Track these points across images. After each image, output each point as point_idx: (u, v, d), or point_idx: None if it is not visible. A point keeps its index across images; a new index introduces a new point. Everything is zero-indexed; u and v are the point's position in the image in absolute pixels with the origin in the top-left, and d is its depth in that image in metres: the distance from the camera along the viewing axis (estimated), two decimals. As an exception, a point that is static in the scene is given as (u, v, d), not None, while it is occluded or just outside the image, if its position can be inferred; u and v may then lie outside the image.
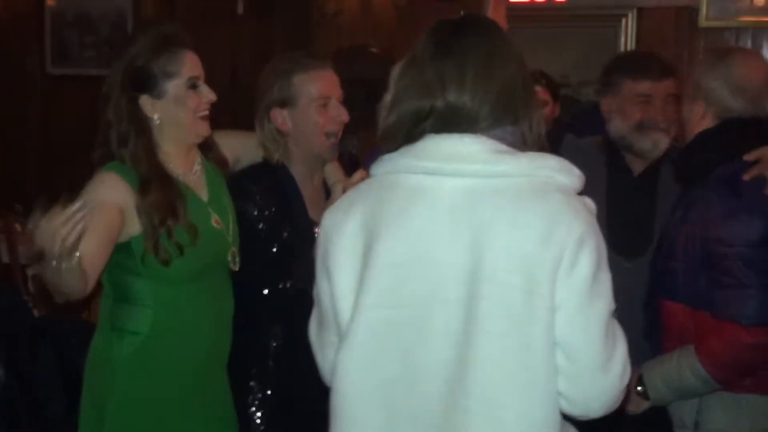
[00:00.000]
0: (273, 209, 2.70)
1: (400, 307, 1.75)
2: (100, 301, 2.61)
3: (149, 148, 2.46)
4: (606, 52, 6.13)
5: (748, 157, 2.49)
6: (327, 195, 2.81)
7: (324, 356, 1.90)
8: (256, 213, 2.69)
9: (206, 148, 2.66)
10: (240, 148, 2.79)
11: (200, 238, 2.47)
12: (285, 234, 2.69)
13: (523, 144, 1.79)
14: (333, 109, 2.71)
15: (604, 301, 1.72)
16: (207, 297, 2.55)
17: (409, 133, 1.79)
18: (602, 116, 3.03)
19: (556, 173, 1.75)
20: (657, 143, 2.88)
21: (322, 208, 2.79)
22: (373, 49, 6.22)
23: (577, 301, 1.69)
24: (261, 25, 6.56)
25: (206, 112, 2.53)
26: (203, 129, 2.54)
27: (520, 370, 1.69)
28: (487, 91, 1.76)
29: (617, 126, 2.91)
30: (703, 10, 5.83)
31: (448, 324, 1.71)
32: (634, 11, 6.02)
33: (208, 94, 2.52)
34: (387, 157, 1.83)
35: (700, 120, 2.64)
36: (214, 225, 2.56)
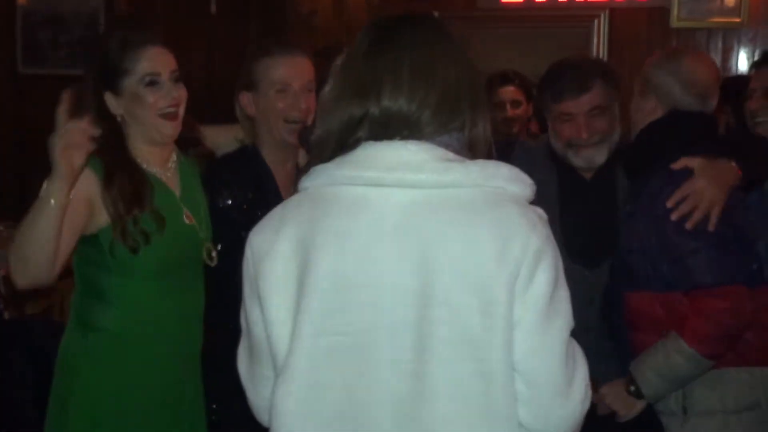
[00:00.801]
0: (248, 196, 2.70)
1: (342, 335, 1.58)
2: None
3: (115, 141, 2.45)
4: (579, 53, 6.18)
5: (676, 166, 2.57)
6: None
7: (257, 393, 1.73)
8: (230, 202, 2.69)
9: (189, 144, 2.66)
10: (222, 143, 2.82)
11: (169, 231, 2.47)
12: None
13: (470, 151, 1.65)
14: (291, 96, 2.70)
15: (562, 320, 1.60)
16: (175, 295, 2.53)
17: (341, 141, 1.63)
18: None
19: (508, 183, 1.61)
20: (589, 159, 2.86)
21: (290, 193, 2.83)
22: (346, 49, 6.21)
23: (534, 320, 1.56)
24: (235, 25, 6.53)
25: (172, 109, 2.49)
26: (166, 127, 2.50)
27: (480, 400, 1.56)
28: (426, 94, 1.60)
29: (554, 143, 2.92)
30: (675, 11, 5.88)
31: (397, 353, 1.56)
32: (607, 12, 6.06)
33: (170, 92, 2.48)
34: (319, 168, 1.65)
35: (650, 114, 2.70)
36: (186, 220, 2.55)
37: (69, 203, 2.27)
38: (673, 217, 2.50)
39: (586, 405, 1.65)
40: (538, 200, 1.69)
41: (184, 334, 2.57)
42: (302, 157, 2.83)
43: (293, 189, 2.77)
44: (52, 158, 2.25)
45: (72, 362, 2.51)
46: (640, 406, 2.60)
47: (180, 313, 2.54)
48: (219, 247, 2.64)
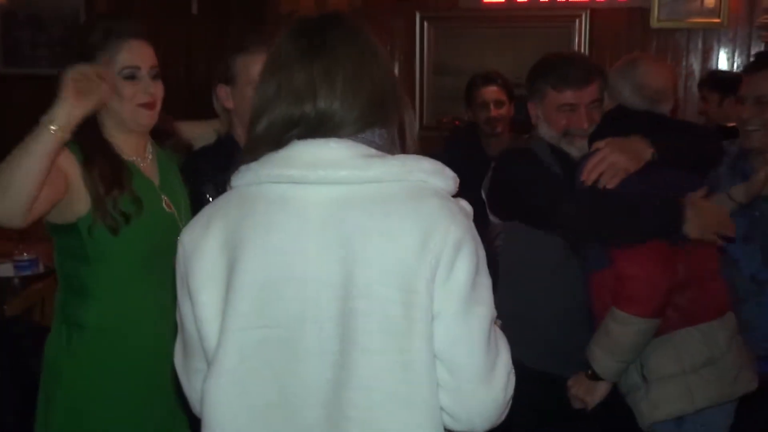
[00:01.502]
0: (223, 188, 2.70)
1: (269, 328, 1.62)
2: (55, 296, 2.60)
3: (93, 126, 2.43)
4: (560, 53, 6.21)
5: (592, 148, 2.73)
6: None
7: (191, 385, 1.77)
8: (213, 193, 2.68)
9: (163, 136, 2.66)
10: (198, 137, 2.82)
11: (149, 216, 2.47)
12: None
13: (393, 147, 1.69)
14: None
15: (484, 308, 1.62)
16: (156, 286, 2.51)
17: (275, 141, 1.66)
18: None
19: (430, 176, 1.64)
20: (583, 149, 2.90)
21: None
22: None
23: (455, 308, 1.58)
24: (215, 25, 6.53)
25: (149, 102, 2.48)
26: (143, 118, 2.49)
27: (401, 388, 1.59)
28: (357, 95, 1.64)
29: (545, 132, 2.95)
30: (655, 12, 5.92)
31: (323, 344, 1.60)
32: (587, 12, 6.09)
33: (148, 86, 2.47)
34: (247, 167, 1.68)
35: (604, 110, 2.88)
36: (165, 208, 2.55)
37: (64, 141, 2.23)
38: (585, 180, 2.65)
39: (509, 392, 1.68)
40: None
41: (167, 327, 2.55)
42: None
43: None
44: (61, 86, 2.22)
45: (56, 360, 2.51)
46: (602, 388, 2.65)
47: (162, 303, 2.51)
48: None
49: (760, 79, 2.91)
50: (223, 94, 2.77)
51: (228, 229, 1.65)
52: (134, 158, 2.54)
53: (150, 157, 2.59)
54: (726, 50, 5.90)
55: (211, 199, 2.66)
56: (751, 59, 3.24)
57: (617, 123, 2.78)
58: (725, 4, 5.79)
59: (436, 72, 6.38)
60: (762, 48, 5.73)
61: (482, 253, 1.64)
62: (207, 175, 2.68)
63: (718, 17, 5.82)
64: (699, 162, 2.84)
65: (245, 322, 1.62)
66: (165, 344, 2.55)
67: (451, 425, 1.66)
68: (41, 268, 4.16)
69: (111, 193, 2.39)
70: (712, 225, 2.62)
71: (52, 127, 2.20)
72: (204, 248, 1.66)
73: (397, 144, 1.70)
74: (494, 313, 1.65)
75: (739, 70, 5.71)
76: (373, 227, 1.59)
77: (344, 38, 1.69)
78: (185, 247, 1.71)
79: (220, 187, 2.66)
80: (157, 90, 2.50)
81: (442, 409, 1.63)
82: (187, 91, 5.59)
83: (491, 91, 4.46)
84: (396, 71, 6.61)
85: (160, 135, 2.65)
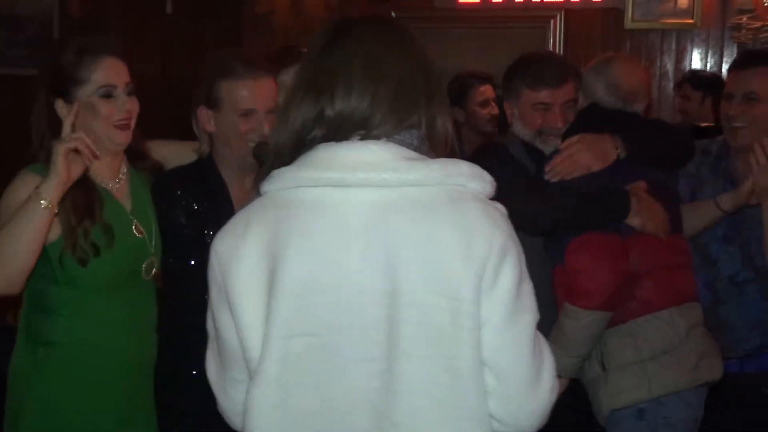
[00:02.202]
0: (202, 207, 2.66)
1: (313, 336, 1.58)
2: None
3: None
4: (535, 53, 6.24)
5: (562, 145, 2.78)
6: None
7: (229, 397, 1.73)
8: (185, 213, 2.64)
9: (138, 157, 2.61)
10: (171, 157, 2.75)
11: (120, 244, 2.43)
12: (209, 237, 2.65)
13: (430, 149, 1.65)
14: (255, 121, 2.63)
15: (529, 315, 1.61)
16: (125, 306, 2.49)
17: (298, 144, 1.63)
18: None
19: (469, 180, 1.61)
20: (556, 147, 2.90)
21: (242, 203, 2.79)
22: (305, 50, 6.20)
23: (501, 316, 1.57)
24: (191, 25, 6.50)
25: (125, 122, 2.46)
26: (118, 137, 2.46)
27: (449, 395, 1.57)
28: (378, 91, 1.60)
29: (519, 130, 2.96)
30: (629, 12, 5.96)
31: (367, 352, 1.57)
32: (562, 13, 6.12)
33: (124, 104, 2.44)
34: (280, 171, 1.63)
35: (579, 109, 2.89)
36: (136, 233, 2.52)
37: (55, 211, 2.27)
38: (548, 176, 2.70)
39: (554, 395, 1.67)
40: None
41: (136, 345, 2.53)
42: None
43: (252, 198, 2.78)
44: (53, 160, 2.25)
45: (22, 378, 2.45)
46: (561, 385, 2.65)
47: (130, 324, 2.49)
48: (170, 260, 2.62)
49: (748, 75, 2.91)
50: (204, 117, 2.67)
51: (266, 234, 1.61)
52: (107, 182, 2.50)
53: (123, 178, 2.55)
54: (699, 50, 5.95)
55: (183, 222, 2.64)
56: (736, 57, 3.23)
57: (590, 121, 2.80)
58: (698, 5, 5.84)
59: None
60: (734, 48, 5.79)
61: (524, 258, 1.62)
62: (181, 197, 2.64)
63: (692, 18, 5.87)
64: (669, 160, 2.87)
65: (288, 329, 1.59)
66: (138, 361, 2.54)
67: (498, 429, 1.64)
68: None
69: (82, 224, 2.36)
70: (653, 218, 2.65)
71: (43, 203, 2.23)
72: (242, 255, 1.62)
73: (434, 145, 1.66)
74: (538, 317, 1.63)
75: (713, 71, 5.76)
76: (416, 233, 1.56)
77: (370, 34, 1.66)
78: (220, 256, 1.65)
79: (193, 210, 2.65)
80: (133, 106, 2.47)
81: (490, 415, 1.62)
82: (162, 91, 5.56)
83: (489, 89, 4.49)
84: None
85: (135, 155, 2.60)
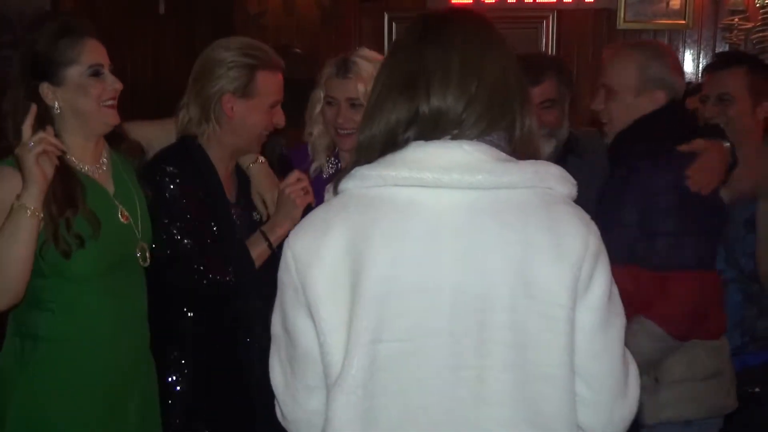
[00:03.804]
0: (194, 188, 2.64)
1: (401, 341, 1.52)
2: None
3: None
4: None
5: (684, 148, 2.58)
6: (239, 177, 2.82)
7: (299, 404, 1.64)
8: (176, 194, 2.62)
9: (117, 139, 2.57)
10: (153, 138, 2.73)
11: (105, 232, 2.39)
12: (207, 216, 2.65)
13: (517, 151, 1.59)
14: (277, 112, 2.70)
15: (620, 319, 1.58)
16: (113, 296, 2.45)
17: (390, 142, 1.57)
18: None
19: (558, 183, 1.57)
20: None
21: (236, 190, 2.78)
22: (297, 50, 6.21)
23: (596, 321, 1.54)
24: (183, 25, 6.48)
25: (112, 101, 2.43)
26: (109, 117, 2.44)
27: (542, 404, 1.53)
28: (476, 90, 1.55)
29: None
30: (621, 13, 5.97)
31: (457, 359, 1.52)
32: (555, 13, 6.12)
33: (113, 83, 2.42)
34: (364, 169, 1.57)
35: (650, 106, 2.67)
36: (121, 220, 2.47)
37: (41, 215, 2.26)
38: (691, 185, 2.52)
39: (638, 403, 1.65)
40: None
41: (125, 336, 2.49)
42: (248, 158, 2.81)
43: (234, 185, 2.76)
44: (24, 168, 2.23)
45: (9, 373, 2.41)
46: None
47: (119, 315, 2.46)
48: (163, 238, 2.58)
49: (721, 77, 2.95)
50: (229, 105, 2.65)
51: (349, 234, 1.54)
52: (89, 167, 2.45)
53: (105, 162, 2.51)
54: (691, 51, 5.96)
55: (175, 199, 2.61)
56: (710, 59, 3.24)
57: (676, 119, 2.69)
58: (690, 6, 5.84)
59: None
60: (726, 49, 5.79)
61: (609, 262, 1.59)
62: (171, 181, 2.61)
63: (684, 18, 5.88)
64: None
65: (374, 334, 1.52)
66: (129, 353, 2.49)
67: None
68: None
69: (64, 214, 2.31)
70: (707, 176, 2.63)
71: (28, 212, 2.22)
72: (323, 256, 1.55)
73: (524, 148, 1.61)
74: (625, 321, 1.60)
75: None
76: (508, 236, 1.51)
77: (463, 30, 1.61)
78: (298, 256, 1.58)
79: (184, 191, 2.64)
80: (119, 86, 2.45)
81: (580, 423, 1.58)
82: (154, 91, 5.55)
83: None
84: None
85: (114, 138, 2.57)
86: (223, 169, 2.74)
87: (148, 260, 2.53)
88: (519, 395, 1.52)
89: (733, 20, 5.72)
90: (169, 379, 2.65)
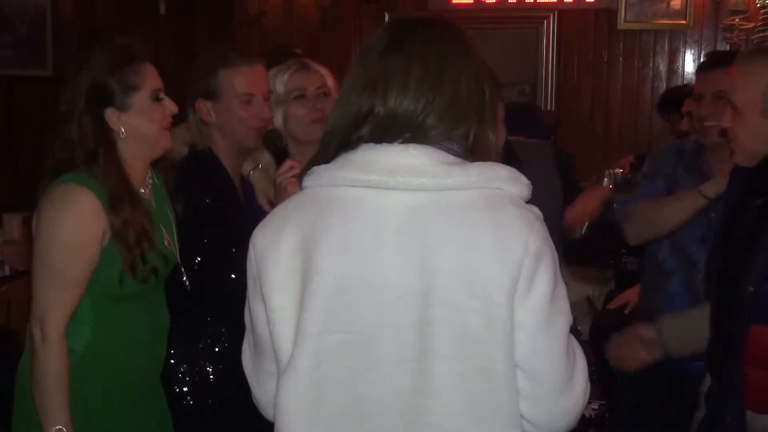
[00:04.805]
0: (213, 199, 2.67)
1: (346, 333, 1.59)
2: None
3: (119, 164, 2.37)
4: (528, 54, 6.23)
5: None
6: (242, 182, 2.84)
7: (261, 388, 1.75)
8: (200, 208, 2.63)
9: (159, 157, 2.55)
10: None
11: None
12: (229, 223, 2.67)
13: (470, 155, 1.64)
14: (255, 106, 2.70)
15: (564, 318, 1.61)
16: (145, 314, 2.45)
17: (345, 139, 1.63)
18: (534, 116, 3.04)
19: (507, 184, 1.61)
20: None
21: (246, 194, 2.80)
22: (297, 50, 6.20)
23: (537, 321, 1.57)
24: (183, 26, 6.49)
25: (170, 124, 2.46)
26: (168, 141, 2.46)
27: (482, 396, 1.58)
28: (433, 98, 1.60)
29: None
30: (622, 13, 5.97)
31: (400, 351, 1.57)
32: (555, 13, 6.12)
33: (170, 106, 2.44)
34: (321, 168, 1.64)
35: None
36: (167, 245, 2.48)
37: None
38: None
39: (587, 396, 1.67)
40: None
41: (154, 351, 2.50)
42: (267, 157, 2.81)
43: (244, 189, 2.78)
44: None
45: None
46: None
47: (151, 330, 2.46)
48: (193, 249, 2.58)
49: (716, 76, 2.90)
50: (203, 109, 2.71)
51: (302, 230, 1.62)
52: (139, 188, 2.45)
53: (149, 182, 2.51)
54: (692, 51, 5.96)
55: (199, 212, 2.61)
56: (703, 60, 3.19)
57: None
58: (691, 6, 5.84)
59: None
60: (727, 49, 5.79)
61: (557, 261, 1.62)
62: (192, 191, 2.62)
63: (684, 19, 5.88)
64: None
65: (321, 326, 1.59)
66: (151, 371, 2.49)
67: (528, 430, 1.64)
68: (6, 271, 4.12)
69: (139, 245, 2.33)
70: None
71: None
72: (278, 250, 1.63)
73: (481, 156, 1.65)
74: (571, 320, 1.63)
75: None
76: (453, 236, 1.56)
77: (431, 38, 1.65)
78: (257, 248, 1.67)
79: (206, 201, 2.66)
80: (175, 108, 2.47)
81: (522, 416, 1.62)
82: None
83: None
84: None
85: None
86: (235, 174, 2.78)
87: (184, 279, 2.56)
88: (459, 388, 1.57)
89: (733, 20, 5.71)
90: (183, 389, 2.67)
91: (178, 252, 2.53)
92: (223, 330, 2.69)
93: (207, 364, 2.68)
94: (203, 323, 2.69)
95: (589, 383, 1.69)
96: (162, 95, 2.43)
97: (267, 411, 1.75)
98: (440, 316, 1.56)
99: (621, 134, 6.11)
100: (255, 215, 2.77)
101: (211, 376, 2.68)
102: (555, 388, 1.61)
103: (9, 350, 3.50)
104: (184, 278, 2.54)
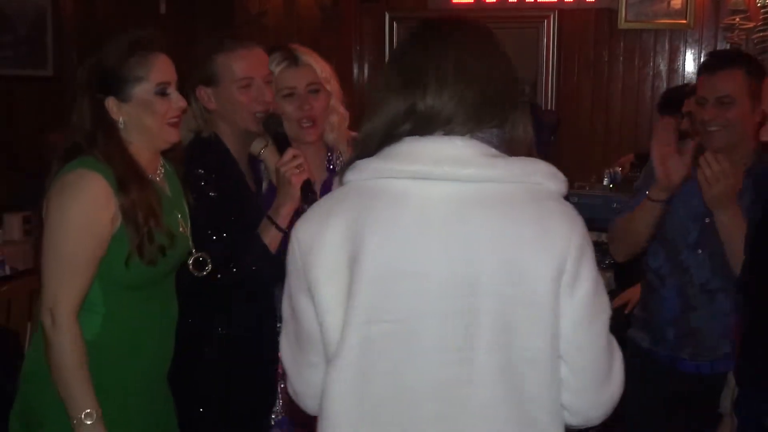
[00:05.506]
0: (221, 185, 2.67)
1: (392, 322, 1.63)
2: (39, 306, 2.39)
3: (122, 147, 2.36)
4: (529, 54, 6.23)
5: None
6: (253, 165, 2.84)
7: (303, 379, 1.77)
8: (209, 197, 2.63)
9: (169, 148, 2.54)
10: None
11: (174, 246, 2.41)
12: (238, 209, 2.68)
13: (507, 149, 1.69)
14: (255, 89, 2.69)
15: (605, 314, 1.66)
16: (156, 303, 2.45)
17: (386, 135, 1.68)
18: (534, 116, 3.02)
19: (546, 179, 1.65)
20: None
21: (253, 179, 2.81)
22: (298, 49, 6.20)
23: (581, 316, 1.62)
24: (184, 26, 6.49)
25: (176, 119, 2.43)
26: (171, 135, 2.43)
27: (524, 386, 1.62)
28: (468, 91, 1.65)
29: None
30: (622, 13, 5.96)
31: (444, 341, 1.61)
32: (556, 13, 6.12)
33: (178, 102, 2.42)
34: (363, 162, 1.68)
35: None
36: (181, 230, 2.48)
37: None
38: None
39: (622, 387, 1.72)
40: None
41: (162, 342, 2.49)
42: (258, 144, 2.81)
43: (251, 174, 2.79)
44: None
45: (45, 374, 2.31)
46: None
47: (161, 320, 2.46)
48: (202, 239, 2.58)
49: (718, 79, 2.87)
50: (204, 96, 2.72)
51: (348, 223, 1.65)
52: (151, 176, 2.44)
53: (161, 172, 2.51)
54: (692, 51, 5.96)
55: (210, 199, 2.62)
56: (704, 61, 3.12)
57: None
58: (692, 6, 5.84)
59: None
60: (727, 48, 5.79)
61: (594, 256, 1.66)
62: (203, 179, 2.63)
63: (685, 18, 5.87)
64: None
65: (368, 315, 1.63)
66: (164, 358, 2.49)
67: (567, 420, 1.69)
68: (7, 271, 4.11)
69: (147, 224, 2.32)
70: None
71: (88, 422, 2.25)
72: (324, 242, 1.66)
73: (514, 147, 1.70)
74: (610, 314, 1.68)
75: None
76: (497, 227, 1.60)
77: (462, 35, 1.72)
78: (302, 241, 1.70)
79: (216, 188, 2.66)
80: (183, 103, 2.45)
81: (564, 405, 1.67)
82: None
83: None
84: (365, 72, 6.63)
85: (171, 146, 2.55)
86: (241, 159, 2.79)
87: (207, 268, 2.56)
88: (503, 377, 1.61)
89: (734, 20, 5.70)
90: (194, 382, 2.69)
91: (191, 240, 2.53)
92: (232, 317, 2.71)
93: (210, 350, 2.70)
94: (210, 309, 2.69)
95: (623, 374, 1.73)
96: (169, 89, 2.41)
97: (306, 402, 1.79)
98: (484, 306, 1.59)
99: (621, 134, 6.10)
100: (266, 198, 2.79)
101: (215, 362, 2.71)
102: (596, 379, 1.66)
103: (9, 350, 3.48)
104: (191, 261, 2.54)
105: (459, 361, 1.61)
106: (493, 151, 1.65)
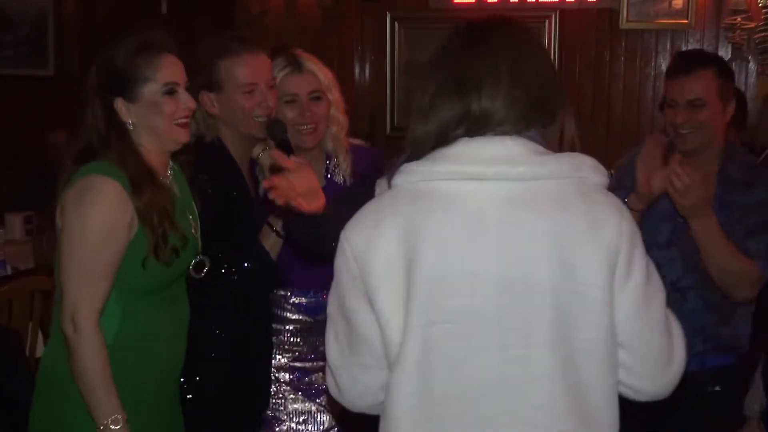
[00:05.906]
0: (225, 189, 2.67)
1: (450, 323, 1.65)
2: (54, 309, 2.41)
3: (135, 150, 2.37)
4: (530, 53, 6.23)
5: None
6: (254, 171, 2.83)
7: (352, 378, 1.77)
8: (212, 200, 2.62)
9: (178, 150, 2.53)
10: None
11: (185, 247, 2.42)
12: (240, 214, 2.67)
13: (553, 145, 1.74)
14: (259, 95, 2.67)
15: (660, 295, 1.70)
16: (169, 306, 2.45)
17: (440, 139, 1.70)
18: None
19: (592, 173, 1.70)
20: None
21: (253, 184, 2.79)
22: (299, 50, 6.19)
23: (637, 304, 1.66)
24: (185, 26, 6.48)
25: (185, 120, 2.42)
26: (180, 136, 2.42)
27: (583, 377, 1.65)
28: (521, 92, 1.69)
29: None
30: (624, 13, 5.95)
31: (502, 338, 1.64)
32: (557, 13, 6.11)
33: (186, 102, 2.41)
34: (413, 165, 1.71)
35: None
36: (193, 231, 2.49)
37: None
38: None
39: (686, 361, 1.76)
40: None
41: (176, 345, 2.49)
42: (258, 148, 2.80)
43: (253, 180, 2.78)
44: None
45: (64, 378, 2.31)
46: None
47: (173, 324, 2.47)
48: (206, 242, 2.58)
49: (688, 82, 2.85)
50: (207, 101, 2.70)
51: (402, 225, 1.67)
52: (162, 178, 2.44)
53: (170, 174, 2.50)
54: (694, 51, 5.95)
55: (214, 203, 2.60)
56: (673, 62, 3.08)
57: None
58: (693, 6, 5.83)
59: (407, 72, 6.38)
60: (729, 49, 5.79)
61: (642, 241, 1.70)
62: (208, 182, 2.62)
63: (686, 18, 5.87)
64: None
65: (428, 317, 1.65)
66: (176, 361, 2.49)
67: (634, 397, 1.74)
68: (8, 271, 4.11)
69: (162, 225, 2.32)
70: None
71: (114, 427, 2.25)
72: (379, 246, 1.68)
73: (563, 144, 1.76)
74: (665, 292, 1.72)
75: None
76: (549, 224, 1.63)
77: (507, 37, 1.75)
78: (354, 247, 1.71)
79: (220, 193, 2.65)
80: (193, 104, 2.44)
81: (627, 385, 1.71)
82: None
83: None
84: (366, 72, 6.63)
85: (180, 149, 2.55)
86: (243, 164, 2.77)
87: (204, 271, 2.54)
88: (562, 371, 1.64)
89: (735, 20, 5.70)
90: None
91: (200, 242, 2.53)
92: (230, 319, 2.71)
93: (212, 351, 2.70)
94: (213, 312, 2.69)
95: (685, 351, 1.76)
96: (177, 89, 2.40)
97: (352, 402, 1.81)
98: (541, 302, 1.63)
99: (622, 133, 6.10)
100: (264, 201, 2.77)
101: (215, 362, 2.71)
102: (660, 362, 1.71)
103: (9, 350, 3.47)
104: (192, 264, 2.52)
105: (518, 359, 1.64)
106: (541, 148, 1.69)
